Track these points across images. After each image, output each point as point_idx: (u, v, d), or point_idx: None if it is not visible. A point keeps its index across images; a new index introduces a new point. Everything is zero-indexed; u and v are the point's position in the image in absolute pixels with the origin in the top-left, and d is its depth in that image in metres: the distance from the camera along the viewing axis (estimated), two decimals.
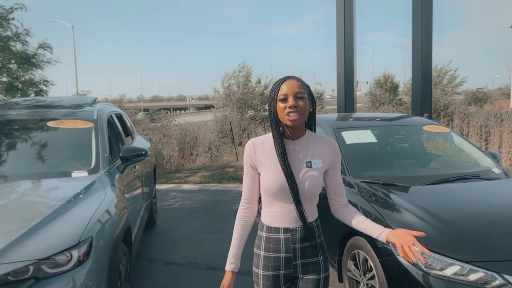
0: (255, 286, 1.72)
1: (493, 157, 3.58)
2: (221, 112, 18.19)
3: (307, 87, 1.63)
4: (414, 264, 2.26)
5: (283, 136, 1.64)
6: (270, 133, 1.66)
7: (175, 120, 12.41)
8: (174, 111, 50.67)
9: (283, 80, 1.61)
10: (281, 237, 1.66)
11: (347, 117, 4.74)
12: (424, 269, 2.22)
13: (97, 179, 2.76)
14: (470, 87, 36.04)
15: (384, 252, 2.47)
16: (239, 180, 7.51)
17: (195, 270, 3.72)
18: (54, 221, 2.10)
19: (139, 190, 3.93)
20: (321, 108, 26.18)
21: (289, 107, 1.55)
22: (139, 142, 4.87)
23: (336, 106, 9.09)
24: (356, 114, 5.16)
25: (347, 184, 3.12)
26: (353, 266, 2.86)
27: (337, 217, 1.83)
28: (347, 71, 9.02)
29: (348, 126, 3.88)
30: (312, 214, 1.72)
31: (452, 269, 2.17)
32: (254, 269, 1.72)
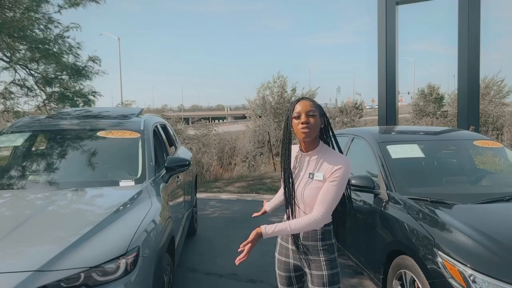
0: (275, 267, 2.13)
1: None
2: (256, 122, 18.23)
3: (318, 106, 1.90)
4: None
5: (300, 149, 1.97)
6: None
7: (214, 130, 12.59)
8: (213, 121, 51.51)
9: (298, 100, 1.90)
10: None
11: (390, 130, 4.61)
12: None
13: (144, 189, 2.84)
14: None
15: (434, 273, 2.36)
16: (276, 191, 7.44)
17: (235, 282, 3.72)
18: (103, 229, 2.17)
19: (182, 199, 3.99)
20: (360, 117, 25.66)
21: (302, 123, 1.84)
22: (182, 152, 4.97)
23: (376, 117, 8.86)
24: (400, 127, 5.00)
25: (392, 200, 3.02)
26: (399, 287, 2.75)
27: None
28: (389, 81, 8.81)
29: (393, 139, 3.76)
30: None
31: None
32: (275, 253, 2.14)
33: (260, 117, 18.29)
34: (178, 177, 3.80)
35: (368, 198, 3.29)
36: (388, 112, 8.91)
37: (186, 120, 29.92)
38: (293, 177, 1.94)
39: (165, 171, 3.36)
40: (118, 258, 2.00)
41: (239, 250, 1.84)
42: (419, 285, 2.47)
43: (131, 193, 2.73)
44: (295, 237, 1.96)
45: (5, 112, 8.03)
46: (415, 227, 2.64)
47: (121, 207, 2.47)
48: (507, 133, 11.30)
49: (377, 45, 8.84)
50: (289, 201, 1.94)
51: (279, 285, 2.13)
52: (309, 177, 1.90)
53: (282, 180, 1.99)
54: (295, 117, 1.86)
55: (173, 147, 4.69)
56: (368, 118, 24.90)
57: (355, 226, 3.54)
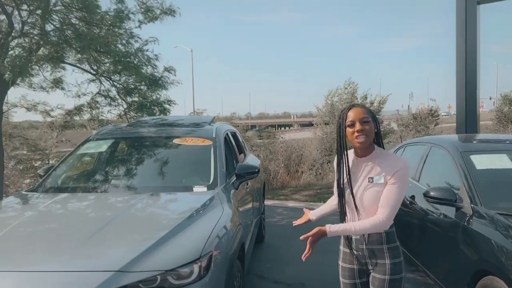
0: (339, 276, 2.13)
1: None
2: (323, 129, 17.92)
3: (370, 112, 1.92)
4: None
5: (355, 155, 1.96)
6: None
7: (281, 137, 12.62)
8: (279, 128, 51.81)
9: (349, 108, 1.90)
10: (352, 237, 1.99)
11: (472, 139, 4.26)
12: None
13: (215, 195, 2.91)
14: None
15: None
16: None
17: None
18: (178, 234, 2.25)
19: (250, 206, 4.04)
20: (436, 125, 24.12)
21: (357, 131, 1.85)
22: (251, 159, 5.04)
23: (453, 125, 8.28)
24: (484, 136, 4.61)
25: (477, 214, 2.77)
26: None
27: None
28: (469, 86, 8.16)
29: (477, 149, 3.47)
30: None
31: None
32: (338, 261, 2.14)
33: (327, 124, 17.97)
34: (247, 184, 3.84)
35: (449, 211, 3.05)
36: (468, 119, 8.26)
37: (253, 127, 30.40)
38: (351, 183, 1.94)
39: (235, 178, 3.42)
40: (192, 262, 2.06)
41: (301, 238, 2.05)
42: None
43: (203, 199, 2.81)
44: (360, 242, 1.97)
45: (92, 121, 8.77)
46: (505, 245, 2.39)
47: (195, 213, 2.55)
48: None
49: (456, 47, 8.26)
50: (349, 206, 1.96)
51: None
52: (369, 181, 1.90)
53: (337, 187, 2.00)
54: (349, 126, 1.87)
55: (243, 154, 4.78)
56: (444, 125, 23.34)
57: (433, 241, 3.31)
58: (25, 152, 9.21)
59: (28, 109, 8.59)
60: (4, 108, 7.64)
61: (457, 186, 3.13)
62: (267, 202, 7.69)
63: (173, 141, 3.61)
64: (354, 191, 1.93)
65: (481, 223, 2.71)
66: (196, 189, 3.02)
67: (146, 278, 1.93)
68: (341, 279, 2.10)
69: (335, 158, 2.05)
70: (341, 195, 1.96)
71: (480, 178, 3.03)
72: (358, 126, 1.84)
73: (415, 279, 3.84)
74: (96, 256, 2.07)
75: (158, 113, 8.78)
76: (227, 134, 4.10)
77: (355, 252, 2.00)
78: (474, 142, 3.89)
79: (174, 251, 2.11)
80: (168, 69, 8.58)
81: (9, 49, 6.49)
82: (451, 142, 3.67)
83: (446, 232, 3.09)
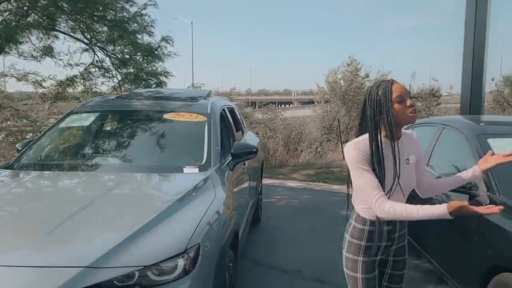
0: (352, 272, 1.86)
1: None
2: (324, 107, 17.54)
3: None
4: None
5: (386, 137, 1.76)
6: (365, 135, 1.75)
7: (281, 115, 12.30)
8: (279, 105, 51.29)
9: (391, 82, 1.74)
10: (384, 229, 1.82)
11: (488, 121, 3.97)
12: None
13: (208, 177, 2.64)
14: None
15: None
16: (346, 181, 6.98)
17: (301, 280, 3.45)
18: (162, 223, 1.99)
19: (247, 187, 3.78)
20: (438, 104, 23.76)
21: (409, 106, 1.71)
22: (250, 137, 4.76)
23: (455, 105, 8.01)
24: (500, 117, 4.31)
25: (494, 204, 2.51)
26: None
27: (430, 193, 2.01)
28: (476, 66, 7.81)
29: (496, 131, 3.18)
30: None
31: None
32: (352, 256, 1.85)
33: (327, 102, 17.60)
34: (244, 163, 3.57)
35: (462, 199, 2.80)
36: (473, 101, 7.97)
37: (253, 104, 29.99)
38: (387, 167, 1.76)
39: (231, 158, 3.15)
40: (177, 256, 1.80)
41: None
42: None
43: (194, 181, 2.54)
44: (392, 232, 1.85)
45: (85, 93, 8.43)
46: None
47: (182, 198, 2.28)
48: None
49: (464, 23, 7.90)
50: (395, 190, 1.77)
51: None
52: (406, 163, 1.82)
53: (379, 171, 1.73)
54: (398, 102, 1.70)
55: (240, 132, 4.49)
56: (449, 105, 22.98)
57: (442, 232, 3.07)
58: (16, 123, 8.90)
59: (19, 79, 8.24)
60: None
61: None
62: (265, 181, 7.45)
63: (164, 116, 3.30)
64: (388, 176, 1.75)
65: (500, 215, 2.44)
66: (187, 170, 2.74)
67: (121, 275, 1.68)
68: (361, 276, 1.85)
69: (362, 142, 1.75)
70: (386, 178, 1.74)
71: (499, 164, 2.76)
72: (410, 101, 1.72)
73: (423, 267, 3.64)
74: (63, 249, 1.80)
75: (154, 85, 8.45)
76: (223, 110, 3.80)
77: (383, 243, 1.85)
78: (491, 124, 3.60)
79: (156, 243, 1.85)
80: (165, 39, 8.17)
81: None
82: (466, 123, 3.39)
83: (458, 222, 2.84)
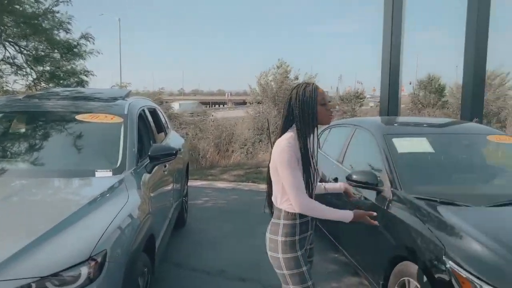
0: (296, 269, 1.90)
1: None
2: (256, 108, 17.84)
3: None
4: None
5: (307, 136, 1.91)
6: (291, 134, 1.87)
7: (212, 115, 12.24)
8: (213, 106, 51.04)
9: (315, 87, 1.88)
10: (309, 219, 1.98)
11: (395, 121, 4.30)
12: None
13: (121, 180, 2.55)
14: None
15: (441, 285, 2.09)
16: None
17: (223, 280, 3.46)
18: (66, 230, 1.88)
19: (169, 190, 3.71)
20: (360, 106, 25.31)
21: (330, 110, 1.91)
22: (173, 139, 4.67)
23: (376, 106, 8.61)
24: (406, 119, 4.71)
25: (397, 199, 2.73)
26: None
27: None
28: (393, 71, 8.50)
29: (400, 132, 3.46)
30: None
31: None
32: (292, 254, 1.90)
33: (259, 103, 17.91)
34: (165, 166, 3.50)
35: (370, 195, 3.00)
36: (390, 103, 8.62)
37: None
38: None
39: (149, 161, 3.06)
40: (80, 264, 1.71)
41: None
42: None
43: (105, 185, 2.43)
44: (314, 219, 2.01)
45: None
46: (422, 231, 2.37)
47: (90, 202, 2.18)
48: (511, 126, 10.99)
49: (382, 32, 8.48)
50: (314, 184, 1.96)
51: (310, 282, 1.92)
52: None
53: (307, 164, 1.88)
54: (322, 104, 1.86)
55: (163, 133, 4.39)
56: (365, 108, 24.53)
57: (351, 225, 3.27)
58: None
59: None
60: None
61: (380, 169, 3.08)
62: (194, 183, 7.38)
63: (77, 117, 3.12)
64: (316, 168, 1.97)
65: (400, 208, 2.67)
66: (99, 173, 2.62)
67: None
68: (302, 269, 1.90)
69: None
70: (310, 174, 1.90)
71: (401, 161, 3.01)
72: (329, 105, 1.89)
73: (339, 260, 3.83)
74: None
75: (75, 84, 7.96)
76: (143, 110, 3.69)
77: (309, 233, 2.00)
78: (396, 125, 3.91)
79: (57, 251, 1.74)
80: (85, 36, 7.75)
81: None
82: (375, 124, 3.64)
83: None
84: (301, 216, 1.91)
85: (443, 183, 2.96)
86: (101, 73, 8.35)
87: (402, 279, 2.46)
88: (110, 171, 2.65)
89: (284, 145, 1.83)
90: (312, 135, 1.90)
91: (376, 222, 2.00)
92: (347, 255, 3.43)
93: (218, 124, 11.73)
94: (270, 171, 1.96)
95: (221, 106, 59.83)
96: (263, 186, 7.34)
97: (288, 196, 1.87)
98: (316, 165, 1.96)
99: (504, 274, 1.94)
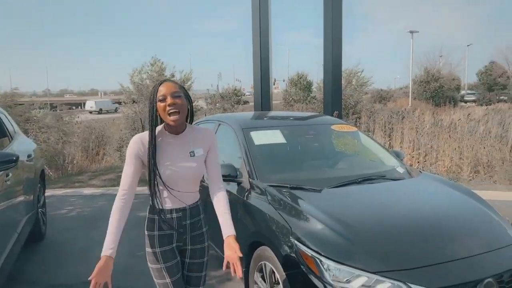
0: (154, 265, 1.94)
1: (397, 156, 3.62)
2: (131, 108, 17.01)
3: (182, 87, 1.90)
4: (320, 277, 2.10)
5: (169, 131, 1.92)
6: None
7: (77, 117, 11.26)
8: (84, 107, 47.01)
9: (160, 83, 1.87)
10: (173, 216, 1.94)
11: (256, 116, 4.53)
12: (331, 281, 2.06)
13: None
14: (377, 87, 38.63)
15: (291, 264, 2.28)
16: (144, 181, 6.90)
17: None
18: None
19: (16, 202, 3.30)
20: (236, 103, 26.16)
21: (168, 105, 1.81)
22: (20, 144, 4.15)
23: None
24: (270, 113, 5.00)
25: (254, 188, 2.89)
26: (260, 279, 2.64)
27: (212, 201, 2.04)
28: (263, 68, 8.94)
29: (257, 125, 3.65)
30: (196, 196, 2.04)
31: (359, 281, 2.03)
32: (151, 249, 1.94)
33: (134, 102, 17.11)
34: (7, 175, 3.09)
35: (232, 187, 3.12)
36: (263, 99, 9.08)
37: (53, 106, 26.65)
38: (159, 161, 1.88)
39: None
40: None
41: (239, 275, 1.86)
42: (278, 276, 2.38)
43: None
44: (183, 219, 1.96)
45: None
46: (274, 216, 2.54)
47: None
48: (364, 117, 12.59)
49: (252, 30, 8.87)
50: (160, 185, 1.90)
51: (168, 280, 1.94)
52: (190, 155, 1.92)
53: (148, 166, 1.86)
54: (160, 100, 1.83)
55: (7, 138, 3.87)
56: (241, 106, 25.60)
57: (214, 215, 3.36)
58: None
59: None
60: None
61: (240, 162, 3.21)
62: (57, 192, 6.74)
63: None
64: (169, 167, 1.88)
65: (256, 197, 2.83)
66: None
67: None
68: (163, 265, 1.93)
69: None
70: (153, 174, 1.85)
71: (257, 153, 3.18)
72: (169, 100, 1.81)
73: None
74: None
75: None
76: None
77: (174, 231, 1.96)
78: (256, 119, 4.12)
79: None
80: None
81: None
82: (235, 119, 3.78)
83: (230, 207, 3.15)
84: (160, 211, 1.92)
85: (295, 170, 3.23)
86: None
87: (260, 263, 2.61)
88: None
89: (131, 140, 1.90)
90: (153, 134, 1.88)
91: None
92: (216, 249, 3.50)
93: (85, 126, 10.85)
94: None
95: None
96: (137, 188, 7.07)
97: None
98: (154, 161, 1.84)
99: (341, 248, 2.18)
